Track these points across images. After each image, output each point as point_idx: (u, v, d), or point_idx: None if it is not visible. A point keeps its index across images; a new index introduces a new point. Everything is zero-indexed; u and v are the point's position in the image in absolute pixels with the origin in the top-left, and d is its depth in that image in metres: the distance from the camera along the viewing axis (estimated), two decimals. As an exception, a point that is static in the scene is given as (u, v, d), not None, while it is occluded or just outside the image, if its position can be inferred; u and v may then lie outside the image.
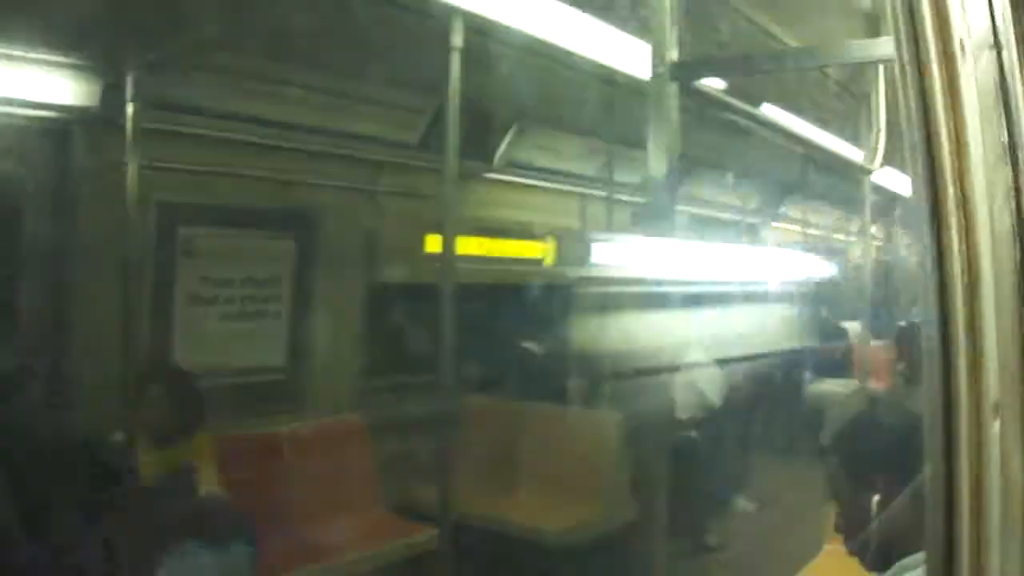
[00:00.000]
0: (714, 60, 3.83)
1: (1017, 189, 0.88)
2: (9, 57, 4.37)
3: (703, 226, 11.46)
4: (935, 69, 0.93)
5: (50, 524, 4.28)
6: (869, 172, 5.19)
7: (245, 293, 6.04)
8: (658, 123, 2.56)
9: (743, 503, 8.99)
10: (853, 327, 12.99)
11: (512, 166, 7.42)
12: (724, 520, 8.47)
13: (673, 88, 2.54)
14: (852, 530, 2.29)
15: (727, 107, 4.32)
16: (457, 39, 3.60)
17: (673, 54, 2.54)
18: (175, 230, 5.63)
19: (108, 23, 4.18)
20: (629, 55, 4.61)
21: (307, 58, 5.34)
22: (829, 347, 12.40)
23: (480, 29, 3.96)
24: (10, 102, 4.55)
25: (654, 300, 4.08)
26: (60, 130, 4.97)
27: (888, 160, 5.73)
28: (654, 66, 2.51)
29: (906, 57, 0.95)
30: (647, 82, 2.64)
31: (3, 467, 4.20)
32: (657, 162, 2.54)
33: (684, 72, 2.55)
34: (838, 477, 2.34)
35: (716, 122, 6.65)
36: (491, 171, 7.31)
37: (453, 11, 3.60)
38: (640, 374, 6.94)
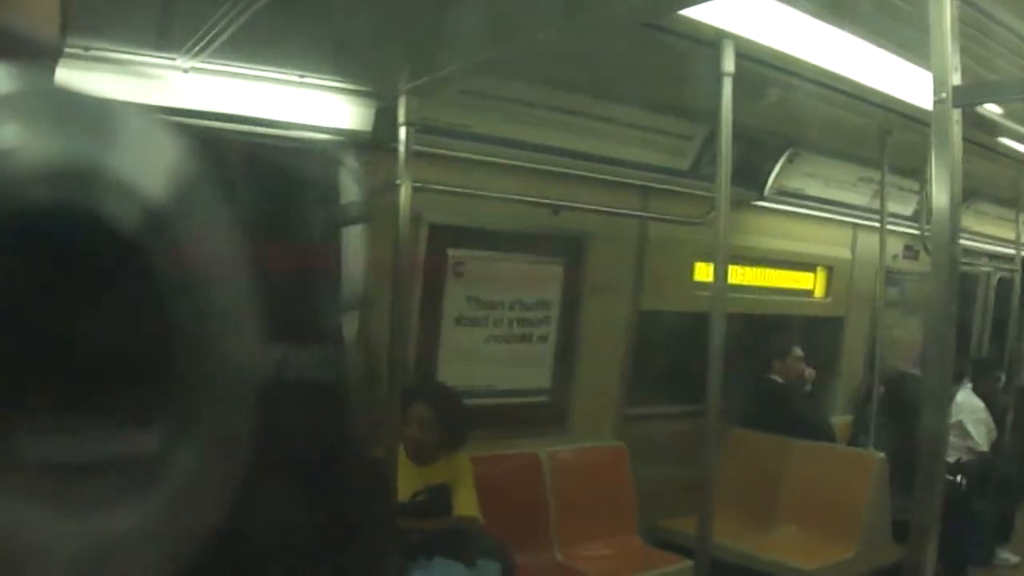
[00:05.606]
0: (998, 84, 3.63)
1: None
2: (288, 82, 4.58)
3: (976, 259, 10.99)
4: None
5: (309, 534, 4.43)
6: None
7: (513, 316, 6.17)
8: (939, 151, 2.44)
9: (1007, 555, 8.56)
10: None
11: (782, 194, 7.28)
12: (987, 571, 8.10)
13: (956, 115, 2.42)
14: None
15: (1011, 134, 4.11)
16: (728, 64, 3.55)
17: (956, 79, 2.42)
18: (445, 251, 5.79)
19: (382, 48, 4.31)
20: (904, 80, 4.47)
21: (576, 84, 5.39)
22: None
23: (751, 55, 3.90)
24: (290, 126, 4.79)
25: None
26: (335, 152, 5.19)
27: None
28: (936, 91, 2.40)
29: None
30: (923, 109, 2.53)
31: (272, 475, 4.38)
32: (939, 192, 2.42)
33: (967, 97, 2.43)
34: None
35: (994, 151, 6.37)
36: (762, 199, 7.18)
37: (724, 36, 3.56)
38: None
